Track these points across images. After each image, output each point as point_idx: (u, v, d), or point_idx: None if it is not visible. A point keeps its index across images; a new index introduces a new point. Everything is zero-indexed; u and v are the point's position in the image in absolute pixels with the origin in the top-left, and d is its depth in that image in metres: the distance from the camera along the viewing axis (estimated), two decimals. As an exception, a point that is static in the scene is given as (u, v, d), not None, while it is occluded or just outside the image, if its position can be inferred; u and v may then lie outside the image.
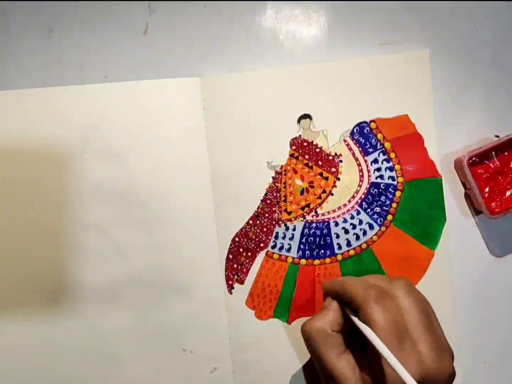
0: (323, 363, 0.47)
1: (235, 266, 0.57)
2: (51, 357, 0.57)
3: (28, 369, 0.57)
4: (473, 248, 0.57)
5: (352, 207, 0.56)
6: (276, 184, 0.56)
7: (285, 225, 0.56)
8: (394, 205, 0.56)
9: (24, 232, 0.56)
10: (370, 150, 0.56)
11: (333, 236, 0.56)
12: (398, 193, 0.55)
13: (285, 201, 0.56)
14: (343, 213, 0.56)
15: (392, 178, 0.55)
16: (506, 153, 0.54)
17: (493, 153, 0.54)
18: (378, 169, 0.56)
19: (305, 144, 0.56)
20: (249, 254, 0.57)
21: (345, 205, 0.56)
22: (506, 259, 0.57)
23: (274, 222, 0.56)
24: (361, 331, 0.45)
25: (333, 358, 0.46)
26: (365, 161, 0.56)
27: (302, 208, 0.56)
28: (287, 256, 0.57)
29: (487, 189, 0.54)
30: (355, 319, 0.46)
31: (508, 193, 0.54)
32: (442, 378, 0.43)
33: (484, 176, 0.54)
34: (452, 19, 0.56)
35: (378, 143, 0.55)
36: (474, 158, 0.54)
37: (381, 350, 0.42)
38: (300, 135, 0.56)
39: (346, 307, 0.49)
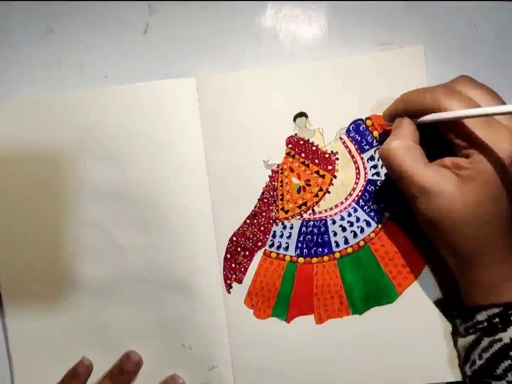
0: (411, 176, 0.46)
1: (233, 265, 0.57)
2: (60, 344, 0.59)
3: (40, 355, 0.59)
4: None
5: (349, 204, 0.56)
6: (273, 183, 0.56)
7: (283, 223, 0.56)
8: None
9: (31, 231, 0.58)
10: (366, 147, 0.55)
11: (331, 234, 0.56)
12: (395, 190, 0.55)
13: (282, 199, 0.56)
14: (340, 211, 0.56)
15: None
16: None
17: None
18: (375, 166, 0.55)
19: (301, 142, 0.56)
20: (247, 253, 0.57)
21: (342, 202, 0.56)
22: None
23: (271, 221, 0.56)
24: (444, 125, 0.46)
25: (419, 169, 0.45)
26: (361, 158, 0.55)
27: (299, 207, 0.56)
28: (285, 255, 0.57)
29: None
30: (436, 114, 0.45)
31: None
32: None
33: None
34: (452, 19, 0.56)
35: (374, 140, 0.55)
36: None
37: (474, 112, 0.42)
38: (296, 134, 0.56)
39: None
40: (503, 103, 0.46)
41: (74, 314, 0.58)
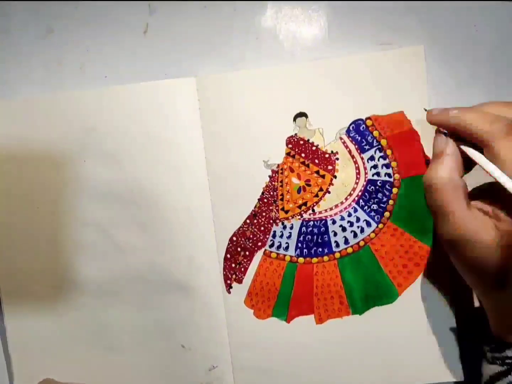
0: (452, 219, 0.42)
1: (233, 265, 0.57)
2: (59, 345, 0.59)
3: (38, 355, 0.59)
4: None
5: (349, 204, 0.56)
6: (273, 183, 0.56)
7: (283, 223, 0.56)
8: (391, 202, 0.55)
9: (30, 231, 0.58)
10: (367, 147, 0.55)
11: (331, 234, 0.56)
12: (395, 190, 0.55)
13: (282, 199, 0.56)
14: (340, 211, 0.56)
15: (389, 175, 0.55)
16: None
17: None
18: (375, 166, 0.55)
19: (301, 142, 0.56)
20: (247, 253, 0.57)
21: (342, 202, 0.56)
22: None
23: (271, 221, 0.56)
24: (487, 172, 0.41)
25: (463, 210, 0.42)
26: (362, 158, 0.55)
27: (299, 207, 0.56)
28: (285, 255, 0.57)
29: None
30: (480, 159, 0.42)
31: None
32: None
33: None
34: (452, 19, 0.56)
35: (374, 140, 0.55)
36: None
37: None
38: (296, 134, 0.56)
39: (462, 144, 0.44)
40: None
41: (73, 315, 0.58)
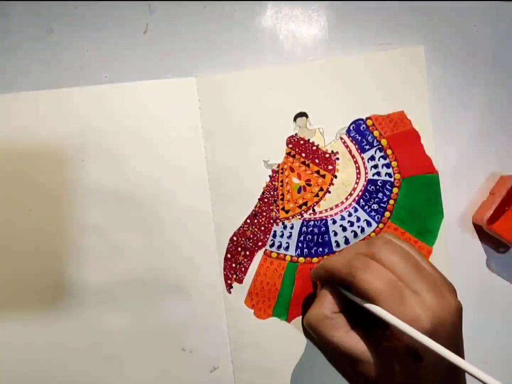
0: (333, 346, 0.46)
1: (233, 265, 0.57)
2: (52, 357, 0.57)
3: (28, 369, 0.57)
4: (473, 246, 0.57)
5: (350, 204, 0.56)
6: (273, 182, 0.56)
7: (283, 223, 0.56)
8: (391, 201, 0.55)
9: (23, 234, 0.56)
10: (367, 147, 0.56)
11: (331, 234, 0.56)
12: (395, 190, 0.55)
13: (282, 199, 0.56)
14: (341, 211, 0.56)
15: (389, 175, 0.55)
16: None
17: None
18: (375, 166, 0.55)
19: (301, 142, 0.56)
20: (247, 253, 0.57)
21: (342, 202, 0.56)
22: (506, 257, 0.57)
23: (271, 221, 0.56)
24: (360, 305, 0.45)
25: (341, 338, 0.46)
26: (362, 158, 0.56)
27: (300, 206, 0.56)
28: (285, 255, 0.56)
29: None
30: (349, 295, 0.46)
31: None
32: (450, 315, 0.43)
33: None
34: (452, 20, 0.56)
35: (375, 140, 0.55)
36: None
37: (382, 315, 0.42)
38: (296, 133, 0.56)
39: (339, 286, 0.48)
40: (416, 264, 0.46)
41: (70, 323, 0.56)
